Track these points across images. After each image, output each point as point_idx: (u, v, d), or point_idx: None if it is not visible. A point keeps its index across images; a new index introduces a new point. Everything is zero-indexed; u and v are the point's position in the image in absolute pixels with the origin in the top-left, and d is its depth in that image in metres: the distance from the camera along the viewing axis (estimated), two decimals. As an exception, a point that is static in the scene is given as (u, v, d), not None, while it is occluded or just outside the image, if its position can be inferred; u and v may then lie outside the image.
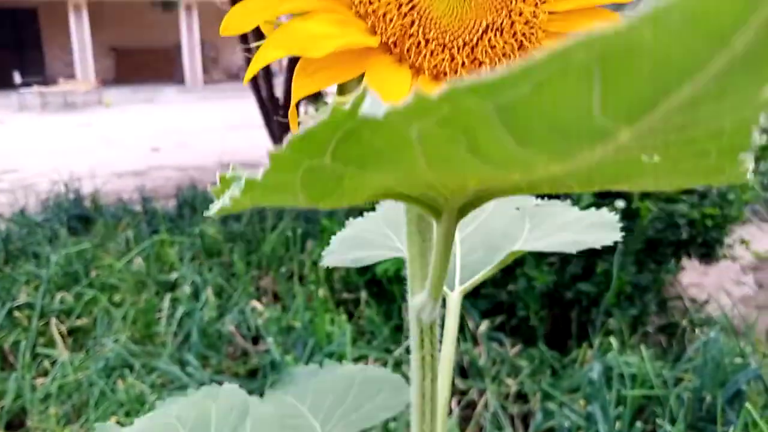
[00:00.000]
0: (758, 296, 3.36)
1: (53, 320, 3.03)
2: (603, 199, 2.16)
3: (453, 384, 2.36)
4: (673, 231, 2.44)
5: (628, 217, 2.39)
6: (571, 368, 2.36)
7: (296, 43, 0.24)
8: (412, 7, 0.25)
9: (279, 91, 6.11)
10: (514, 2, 0.27)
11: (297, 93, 0.25)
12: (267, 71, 5.97)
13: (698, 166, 0.17)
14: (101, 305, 3.13)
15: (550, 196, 0.51)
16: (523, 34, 0.27)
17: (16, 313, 3.03)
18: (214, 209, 0.21)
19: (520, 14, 0.27)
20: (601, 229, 0.48)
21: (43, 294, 3.17)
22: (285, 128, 5.41)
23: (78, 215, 4.66)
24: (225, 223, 4.23)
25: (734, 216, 2.49)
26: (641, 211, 2.28)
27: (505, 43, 0.27)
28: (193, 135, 10.06)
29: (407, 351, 1.98)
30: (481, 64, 0.27)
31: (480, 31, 0.26)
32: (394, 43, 0.26)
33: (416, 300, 0.34)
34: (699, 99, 0.12)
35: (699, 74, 0.12)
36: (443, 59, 0.26)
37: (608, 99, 0.12)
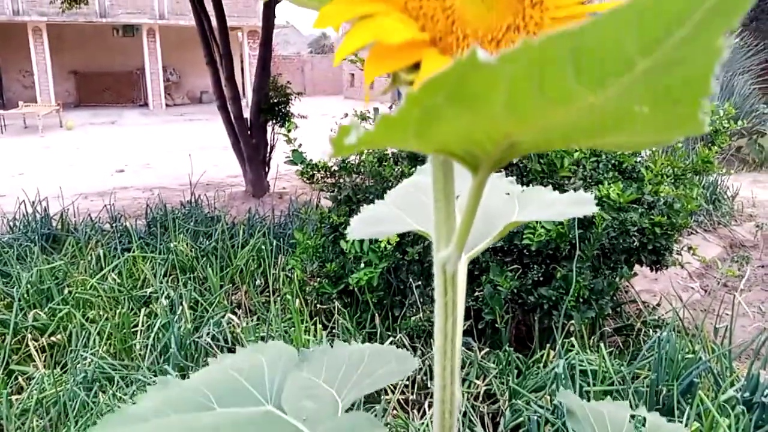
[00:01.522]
0: (705, 300, 3.58)
1: (28, 337, 3.05)
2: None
3: (425, 387, 2.48)
4: (625, 238, 2.62)
5: (584, 226, 2.57)
6: (536, 368, 2.50)
7: (378, 32, 0.36)
8: (452, 9, 0.39)
9: (246, 113, 6.20)
10: (524, 9, 0.41)
11: (369, 74, 0.37)
12: (235, 94, 6.07)
13: (674, 113, 0.25)
14: (76, 321, 3.16)
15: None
16: (534, 33, 0.41)
17: (-10, 331, 3.03)
18: (336, 149, 0.26)
19: (531, 17, 0.41)
20: (580, 204, 0.59)
21: (15, 312, 3.18)
22: (253, 149, 5.43)
23: (47, 234, 4.66)
24: (196, 239, 4.28)
25: (681, 224, 2.68)
26: (596, 219, 2.45)
27: (521, 38, 0.40)
28: (158, 157, 10.03)
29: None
30: None
31: (503, 30, 0.40)
32: (440, 39, 0.39)
33: (442, 254, 0.44)
34: (683, 41, 0.20)
35: (686, 23, 0.20)
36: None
37: (639, 41, 0.22)
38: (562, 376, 2.09)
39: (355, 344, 0.67)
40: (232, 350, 2.57)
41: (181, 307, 3.12)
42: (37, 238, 4.48)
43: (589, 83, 0.24)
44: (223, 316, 3.04)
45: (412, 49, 0.39)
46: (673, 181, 2.80)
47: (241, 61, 18.17)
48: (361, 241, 2.79)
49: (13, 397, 2.68)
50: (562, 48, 0.22)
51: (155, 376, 2.64)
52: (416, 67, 0.40)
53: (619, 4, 0.21)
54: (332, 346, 0.66)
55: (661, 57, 0.23)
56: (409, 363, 0.62)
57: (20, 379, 2.85)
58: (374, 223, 0.61)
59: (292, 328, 2.84)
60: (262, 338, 2.77)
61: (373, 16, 0.39)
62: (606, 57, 0.23)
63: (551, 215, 0.58)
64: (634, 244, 2.67)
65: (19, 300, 3.35)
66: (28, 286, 3.50)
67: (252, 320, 3.09)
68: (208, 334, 2.90)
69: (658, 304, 3.17)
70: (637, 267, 2.89)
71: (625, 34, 0.22)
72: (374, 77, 0.38)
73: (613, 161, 2.76)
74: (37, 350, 2.98)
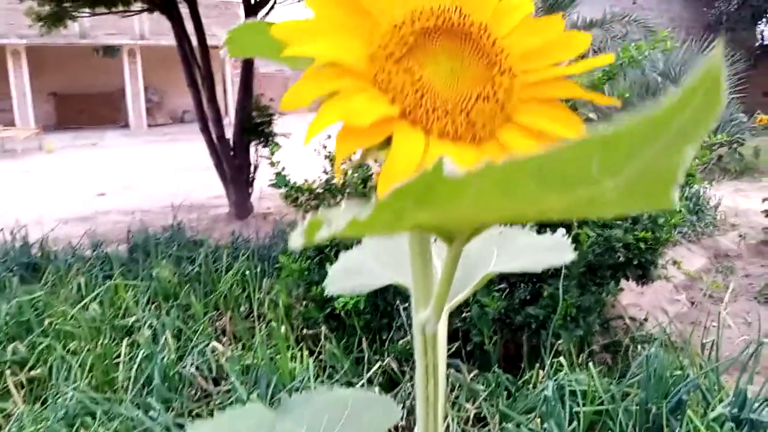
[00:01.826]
0: (691, 312, 3.58)
1: (6, 372, 2.98)
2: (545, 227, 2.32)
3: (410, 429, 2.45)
4: (611, 255, 2.61)
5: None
6: (526, 389, 2.48)
7: (347, 112, 0.34)
8: (421, 82, 0.37)
9: (229, 133, 6.18)
10: (494, 77, 0.39)
11: (340, 153, 0.35)
12: (217, 114, 6.04)
13: (649, 193, 0.26)
14: (57, 354, 3.09)
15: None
16: (504, 101, 0.39)
17: (-32, 367, 2.96)
18: (299, 242, 0.27)
19: (500, 85, 0.39)
20: (557, 251, 0.58)
21: (-6, 345, 3.11)
22: (236, 169, 5.38)
23: (26, 263, 4.58)
24: (179, 265, 4.23)
25: (665, 238, 2.69)
26: (581, 237, 2.45)
27: (491, 108, 0.38)
28: (140, 178, 9.95)
29: (369, 382, 2.05)
30: (474, 125, 0.38)
31: (473, 100, 0.38)
32: (410, 112, 0.37)
33: (421, 315, 0.44)
34: (648, 160, 0.23)
35: (649, 148, 0.21)
36: (447, 122, 0.37)
37: (602, 165, 0.23)
38: (551, 400, 2.06)
39: (338, 390, 0.66)
40: (217, 381, 2.52)
41: (164, 337, 3.06)
42: (15, 267, 4.41)
43: (554, 192, 0.25)
44: (207, 345, 2.99)
45: (382, 125, 0.37)
46: (656, 195, 2.80)
47: (224, 81, 18.15)
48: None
49: (-8, 436, 2.61)
50: (526, 169, 0.23)
51: (138, 409, 2.59)
52: (388, 141, 0.38)
53: (583, 134, 0.21)
54: (314, 391, 0.65)
55: (625, 177, 0.24)
56: (393, 412, 0.60)
57: (-1, 416, 2.78)
58: (352, 275, 0.59)
59: (279, 355, 2.79)
60: (248, 368, 2.73)
61: (342, 93, 0.37)
62: (571, 177, 0.24)
63: (527, 265, 0.57)
64: (620, 259, 2.67)
65: (-2, 333, 3.27)
66: (7, 317, 3.43)
67: (237, 348, 3.05)
68: (192, 364, 2.85)
69: (645, 319, 3.17)
70: (623, 281, 2.89)
71: (589, 160, 0.22)
72: (345, 157, 0.36)
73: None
74: (16, 385, 2.91)
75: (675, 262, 3.01)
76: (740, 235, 5.06)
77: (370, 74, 0.38)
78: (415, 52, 0.39)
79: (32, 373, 3.05)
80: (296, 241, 0.30)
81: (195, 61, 6.00)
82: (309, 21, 0.37)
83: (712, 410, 2.08)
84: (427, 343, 0.46)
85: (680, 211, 2.75)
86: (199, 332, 3.24)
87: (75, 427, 2.51)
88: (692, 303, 3.75)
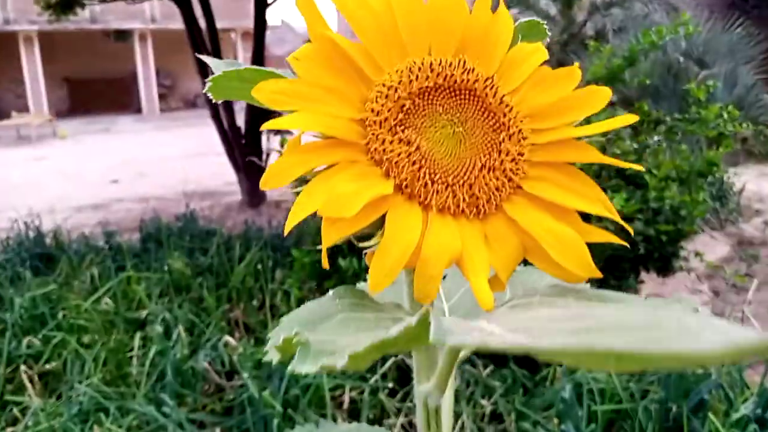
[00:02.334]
0: (715, 303, 3.51)
1: (22, 366, 2.99)
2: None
3: None
4: (631, 248, 2.55)
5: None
6: (543, 386, 2.44)
7: (328, 204, 0.29)
8: (418, 152, 0.32)
9: (240, 120, 6.13)
10: (501, 143, 0.34)
11: (328, 239, 0.31)
12: (228, 102, 5.99)
13: None
14: (70, 348, 3.09)
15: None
16: (511, 170, 0.34)
17: (-17, 362, 2.97)
18: (275, 356, 0.28)
19: (507, 153, 0.34)
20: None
21: (9, 339, 3.12)
22: (247, 156, 5.32)
23: (40, 254, 4.59)
24: (192, 256, 4.22)
25: (687, 230, 2.62)
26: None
27: (497, 179, 0.33)
28: (152, 165, 9.97)
29: (383, 377, 2.01)
30: (478, 198, 0.33)
31: (476, 171, 0.33)
32: (406, 185, 0.32)
33: (423, 388, 0.40)
34: None
35: None
36: (447, 196, 0.32)
37: None
38: (568, 400, 2.02)
39: (342, 424, 0.65)
40: (230, 375, 2.51)
41: (176, 331, 3.05)
42: (30, 258, 4.42)
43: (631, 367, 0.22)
44: (219, 340, 2.98)
45: (374, 205, 0.32)
46: (678, 185, 2.72)
47: (235, 63, 18.03)
48: (360, 257, 2.73)
49: (8, 430, 2.62)
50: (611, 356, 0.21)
51: (151, 404, 2.59)
52: (382, 218, 0.33)
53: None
54: (318, 426, 0.64)
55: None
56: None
57: (15, 410, 2.79)
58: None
59: (291, 350, 2.77)
60: (260, 363, 2.71)
61: (327, 172, 0.32)
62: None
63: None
64: (641, 252, 2.61)
65: (13, 326, 3.28)
66: (22, 311, 3.44)
67: (250, 342, 3.03)
68: (205, 358, 2.84)
69: (665, 311, 3.10)
70: (644, 272, 2.82)
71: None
72: (333, 243, 0.31)
73: (616, 168, 2.69)
74: (31, 379, 2.92)
75: (697, 254, 2.94)
76: (765, 222, 4.94)
77: (362, 144, 0.33)
78: (412, 116, 0.34)
79: (47, 366, 3.06)
80: (272, 355, 0.29)
81: (204, 46, 5.94)
82: (294, 83, 0.32)
83: (736, 411, 2.02)
84: (429, 415, 0.41)
85: (704, 201, 2.66)
86: (211, 326, 3.23)
87: (89, 424, 2.51)
88: (715, 293, 3.67)
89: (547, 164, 0.35)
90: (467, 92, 0.34)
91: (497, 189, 0.33)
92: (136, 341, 3.12)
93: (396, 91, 0.33)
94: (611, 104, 2.75)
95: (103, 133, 14.91)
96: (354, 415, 2.46)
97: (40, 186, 8.44)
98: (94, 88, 18.65)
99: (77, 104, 18.48)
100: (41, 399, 2.79)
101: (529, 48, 0.37)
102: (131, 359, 3.03)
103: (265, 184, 0.31)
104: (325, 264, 0.34)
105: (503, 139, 0.34)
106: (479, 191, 0.33)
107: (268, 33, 6.33)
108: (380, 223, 0.32)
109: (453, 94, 0.34)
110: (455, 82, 0.34)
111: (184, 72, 18.99)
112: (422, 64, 0.34)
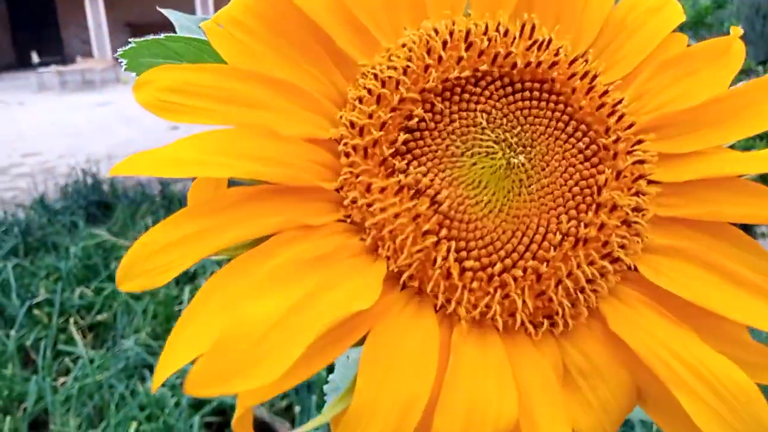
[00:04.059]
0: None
1: (74, 316, 3.02)
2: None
3: None
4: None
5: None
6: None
7: (233, 348, 0.15)
8: (435, 209, 0.16)
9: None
10: (601, 186, 0.17)
11: (242, 406, 0.16)
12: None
13: None
14: (120, 300, 3.10)
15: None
16: (620, 240, 0.17)
17: (36, 311, 3.01)
18: None
19: (614, 207, 0.17)
20: None
21: (62, 289, 3.15)
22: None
23: (97, 201, 4.63)
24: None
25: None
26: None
27: (591, 262, 0.17)
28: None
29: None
30: (552, 301, 0.17)
31: (549, 246, 0.17)
32: (411, 275, 0.16)
33: None
34: None
35: None
36: (490, 299, 0.16)
37: None
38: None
39: None
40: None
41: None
42: (86, 205, 4.48)
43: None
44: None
45: (344, 326, 0.17)
46: None
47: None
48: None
49: (60, 380, 2.65)
50: None
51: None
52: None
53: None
54: None
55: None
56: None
57: (67, 360, 2.82)
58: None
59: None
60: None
61: (250, 260, 0.16)
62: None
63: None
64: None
65: (67, 275, 3.32)
66: (76, 260, 3.47)
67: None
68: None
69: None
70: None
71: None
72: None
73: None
74: (81, 330, 2.94)
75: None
76: None
77: (327, 190, 0.17)
78: (426, 137, 0.18)
79: (97, 318, 3.08)
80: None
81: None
82: (205, 72, 0.17)
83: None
84: None
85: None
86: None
87: (133, 380, 2.50)
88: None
89: (688, 224, 0.19)
90: (536, 86, 0.18)
91: (590, 281, 0.17)
92: (186, 294, 3.10)
93: (398, 85, 0.17)
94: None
95: (164, 78, 15.04)
96: None
97: (102, 132, 8.59)
98: (157, 32, 18.77)
99: (140, 49, 18.68)
100: (91, 350, 2.81)
101: (650, 2, 0.20)
102: (179, 312, 3.02)
103: (120, 284, 0.16)
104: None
105: (606, 180, 0.18)
106: (555, 288, 0.17)
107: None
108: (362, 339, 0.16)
109: (508, 89, 0.18)
110: (514, 66, 0.18)
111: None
112: (450, 32, 0.17)
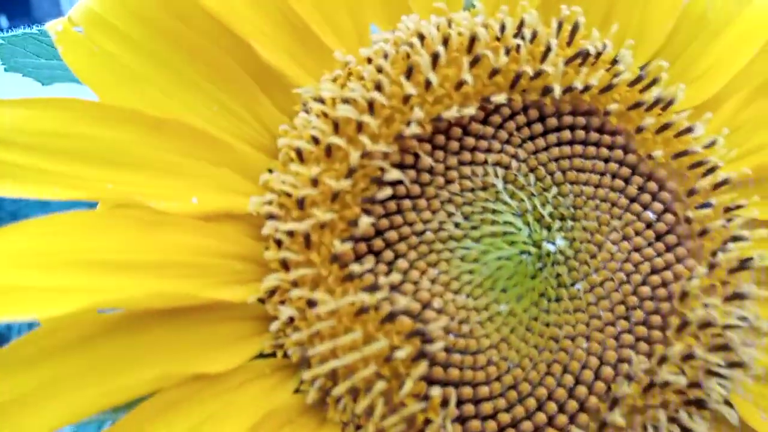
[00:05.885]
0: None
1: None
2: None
3: None
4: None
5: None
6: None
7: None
8: (423, 354, 0.12)
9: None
10: (683, 293, 0.12)
11: None
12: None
13: None
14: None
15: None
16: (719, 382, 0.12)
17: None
18: None
19: (704, 326, 0.12)
20: None
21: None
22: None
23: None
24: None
25: None
26: None
27: (672, 419, 0.12)
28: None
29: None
30: None
31: (604, 388, 0.11)
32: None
33: None
34: None
35: None
36: None
37: None
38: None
39: None
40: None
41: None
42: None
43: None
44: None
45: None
46: None
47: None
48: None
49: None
50: None
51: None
52: None
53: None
54: None
55: None
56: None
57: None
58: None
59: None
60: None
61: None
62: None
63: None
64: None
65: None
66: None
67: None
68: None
69: None
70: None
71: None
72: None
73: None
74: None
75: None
76: None
77: (244, 305, 0.12)
78: (402, 206, 0.12)
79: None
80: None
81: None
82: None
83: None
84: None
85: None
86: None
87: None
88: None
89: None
90: (581, 121, 0.12)
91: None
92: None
93: (360, 129, 0.10)
94: None
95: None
96: None
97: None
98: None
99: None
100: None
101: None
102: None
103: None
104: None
105: (691, 272, 0.11)
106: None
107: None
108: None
109: (537, 128, 0.12)
110: (546, 92, 0.12)
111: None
112: (445, 38, 0.11)
